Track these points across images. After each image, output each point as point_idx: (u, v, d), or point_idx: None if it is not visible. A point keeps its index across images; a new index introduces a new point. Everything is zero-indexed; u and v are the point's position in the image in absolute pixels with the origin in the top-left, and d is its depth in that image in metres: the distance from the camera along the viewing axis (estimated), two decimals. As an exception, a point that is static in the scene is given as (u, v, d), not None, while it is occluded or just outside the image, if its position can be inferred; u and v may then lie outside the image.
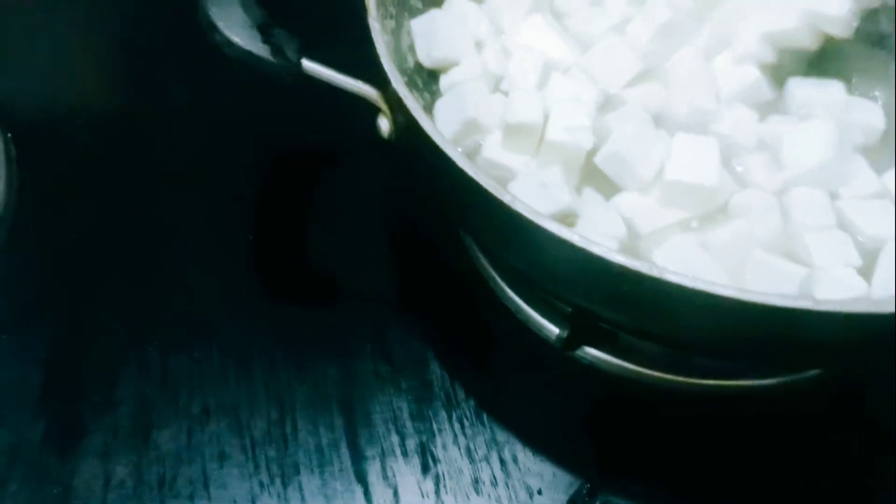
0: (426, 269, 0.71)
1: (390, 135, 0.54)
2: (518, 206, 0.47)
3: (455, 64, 0.61)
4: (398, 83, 0.51)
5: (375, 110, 0.55)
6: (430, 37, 0.61)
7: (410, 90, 0.51)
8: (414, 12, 0.63)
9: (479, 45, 0.62)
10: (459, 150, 0.49)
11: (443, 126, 0.56)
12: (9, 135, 0.75)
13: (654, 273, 0.45)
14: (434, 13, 0.62)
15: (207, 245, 0.71)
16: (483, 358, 0.66)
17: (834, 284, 0.51)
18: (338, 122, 0.64)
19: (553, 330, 0.65)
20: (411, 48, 0.62)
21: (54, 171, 0.74)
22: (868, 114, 0.59)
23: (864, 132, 0.59)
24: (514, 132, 0.56)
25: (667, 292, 0.45)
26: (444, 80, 0.61)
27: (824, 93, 0.60)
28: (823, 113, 0.58)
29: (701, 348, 0.56)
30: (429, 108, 0.58)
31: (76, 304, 0.67)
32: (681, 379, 0.64)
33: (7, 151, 0.73)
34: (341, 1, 0.58)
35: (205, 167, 0.76)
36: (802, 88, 0.61)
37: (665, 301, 0.47)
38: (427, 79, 0.63)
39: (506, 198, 0.47)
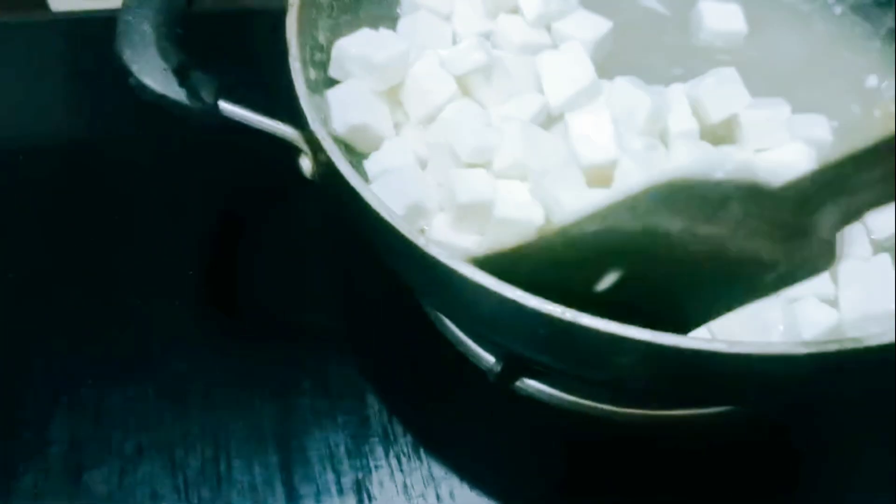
0: (364, 302, 0.70)
1: (312, 175, 0.54)
2: (432, 250, 0.47)
3: (374, 137, 0.60)
4: (316, 124, 0.51)
5: (298, 151, 0.54)
6: (347, 104, 0.59)
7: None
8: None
9: (397, 126, 0.62)
10: (367, 187, 0.48)
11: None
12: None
13: (567, 317, 0.45)
14: (350, 84, 0.61)
15: (146, 280, 0.70)
16: (421, 391, 0.66)
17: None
18: (285, 160, 0.63)
19: (492, 360, 0.65)
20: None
21: (-1, 205, 0.73)
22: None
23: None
24: (465, 212, 0.56)
25: (582, 336, 0.45)
26: (370, 165, 0.59)
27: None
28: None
29: (625, 388, 0.56)
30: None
31: (9, 342, 0.66)
32: (621, 410, 0.64)
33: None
34: (265, 41, 0.57)
35: (149, 203, 0.75)
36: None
37: (583, 344, 0.46)
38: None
39: (420, 241, 0.47)
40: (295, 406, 0.64)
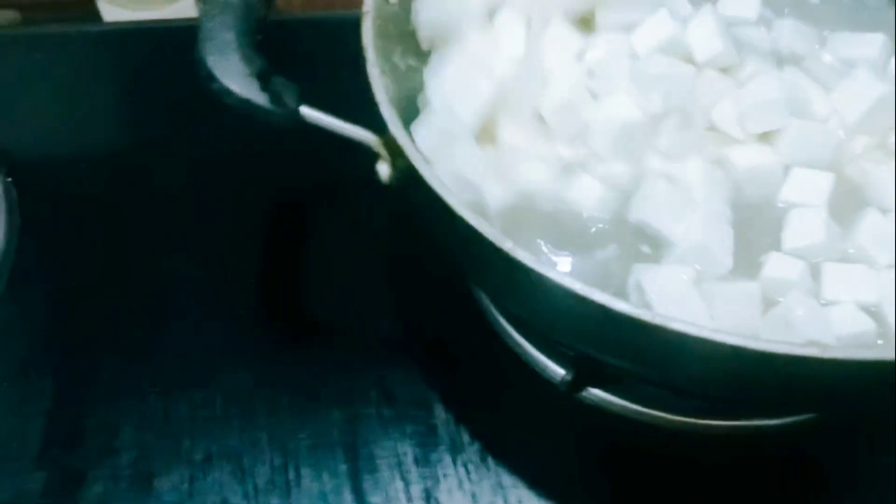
0: (429, 311, 0.70)
1: (390, 180, 0.54)
2: (519, 255, 0.47)
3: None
4: (396, 128, 0.51)
5: (375, 155, 0.54)
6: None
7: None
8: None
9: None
10: (450, 191, 0.48)
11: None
12: (9, 179, 0.74)
13: (657, 321, 0.44)
14: None
15: (207, 290, 0.70)
16: (488, 400, 0.66)
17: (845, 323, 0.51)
18: (336, 163, 0.63)
19: (558, 371, 0.64)
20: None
21: (55, 216, 0.74)
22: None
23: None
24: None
25: (668, 340, 0.45)
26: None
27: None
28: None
29: (708, 395, 0.55)
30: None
31: (76, 352, 0.66)
32: (690, 420, 0.63)
33: (7, 196, 0.72)
34: (344, 47, 0.57)
35: (204, 211, 0.75)
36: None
37: (668, 348, 0.46)
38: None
39: (506, 245, 0.47)
40: (361, 415, 0.64)
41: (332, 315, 0.70)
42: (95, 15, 1.00)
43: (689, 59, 0.61)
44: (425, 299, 0.71)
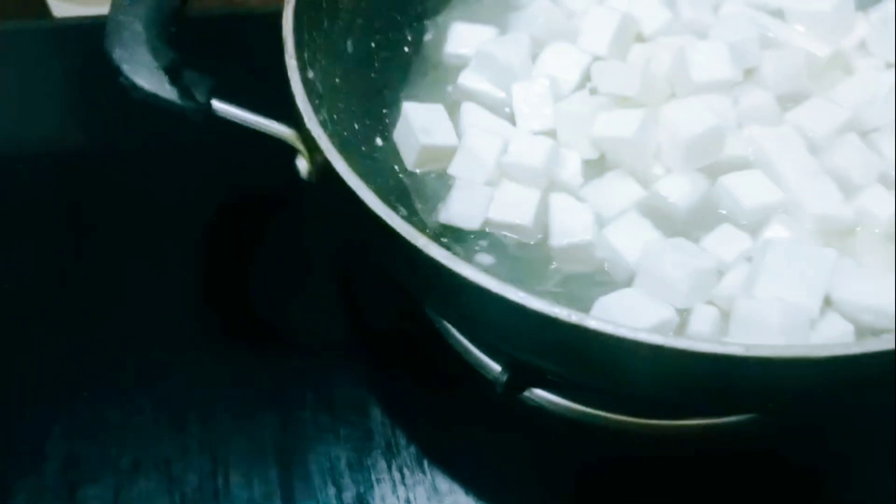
0: (371, 312, 0.68)
1: (309, 176, 0.52)
2: (434, 252, 0.45)
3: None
4: (312, 122, 0.49)
5: (295, 151, 0.52)
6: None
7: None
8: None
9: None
10: (366, 188, 0.46)
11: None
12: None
13: (573, 320, 0.42)
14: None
15: (143, 291, 0.68)
16: (428, 402, 0.64)
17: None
18: (285, 164, 0.61)
19: (499, 370, 0.62)
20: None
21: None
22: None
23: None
24: None
25: (589, 340, 0.43)
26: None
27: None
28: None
29: (641, 396, 0.53)
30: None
31: (4, 354, 0.64)
32: (636, 420, 0.61)
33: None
34: (263, 38, 0.55)
35: (146, 210, 0.73)
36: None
37: (590, 349, 0.44)
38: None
39: (420, 242, 0.45)
40: (296, 419, 0.62)
41: (272, 316, 0.68)
42: (45, 10, 0.98)
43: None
44: (364, 299, 0.69)
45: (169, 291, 0.69)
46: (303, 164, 0.52)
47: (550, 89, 0.61)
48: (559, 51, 0.63)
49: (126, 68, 0.49)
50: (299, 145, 0.51)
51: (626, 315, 0.49)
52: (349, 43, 0.65)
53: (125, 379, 0.64)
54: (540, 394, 0.62)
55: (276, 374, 0.64)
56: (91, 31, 0.85)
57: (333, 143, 0.49)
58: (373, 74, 0.67)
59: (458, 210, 0.57)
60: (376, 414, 0.63)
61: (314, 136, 0.49)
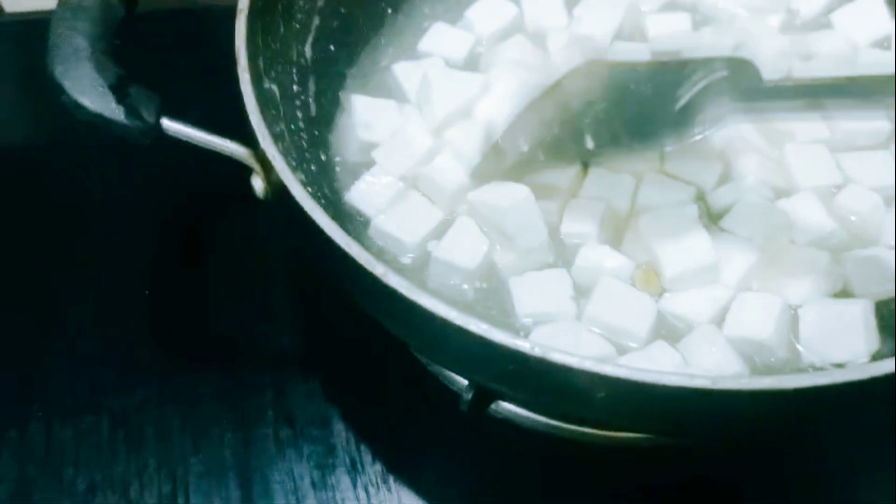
0: (332, 325, 0.66)
1: (265, 194, 0.50)
2: (391, 281, 0.43)
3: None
4: (267, 142, 0.47)
5: (249, 170, 0.50)
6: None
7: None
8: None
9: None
10: (324, 214, 0.44)
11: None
12: None
13: (536, 353, 0.41)
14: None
15: (97, 306, 0.66)
16: (391, 417, 0.62)
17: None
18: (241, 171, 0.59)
19: (465, 384, 0.61)
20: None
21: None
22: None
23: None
24: None
25: (552, 371, 0.42)
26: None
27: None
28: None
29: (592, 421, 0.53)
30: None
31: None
32: (598, 433, 0.61)
33: None
34: (216, 51, 0.53)
35: (99, 220, 0.71)
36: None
37: (555, 380, 0.43)
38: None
39: (378, 270, 0.43)
40: (257, 436, 0.61)
41: (230, 331, 0.66)
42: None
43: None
44: (324, 312, 0.67)
45: (120, 304, 0.66)
46: (258, 183, 0.50)
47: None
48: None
49: (68, 86, 0.47)
50: (255, 164, 0.49)
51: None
52: (307, 47, 0.62)
53: (77, 397, 0.62)
54: (506, 406, 0.61)
55: (235, 390, 0.63)
56: (44, 26, 0.84)
57: (288, 160, 0.47)
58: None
59: (363, 194, 0.58)
60: (339, 429, 0.61)
61: (269, 156, 0.47)
